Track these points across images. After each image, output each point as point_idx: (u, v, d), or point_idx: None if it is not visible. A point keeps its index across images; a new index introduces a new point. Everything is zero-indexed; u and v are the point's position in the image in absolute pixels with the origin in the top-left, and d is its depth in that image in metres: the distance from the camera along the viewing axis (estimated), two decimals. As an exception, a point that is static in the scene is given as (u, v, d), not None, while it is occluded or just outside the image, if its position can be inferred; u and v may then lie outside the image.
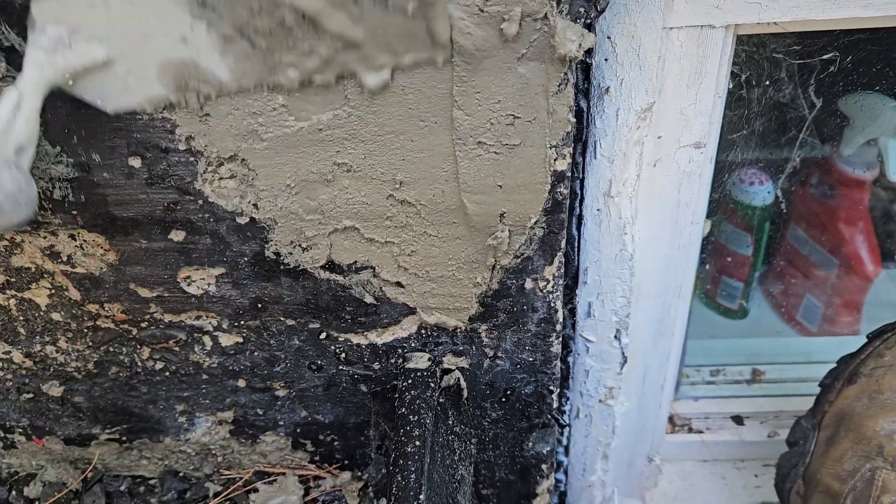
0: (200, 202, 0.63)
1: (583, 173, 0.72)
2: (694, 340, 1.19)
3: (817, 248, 1.22)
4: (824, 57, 0.80)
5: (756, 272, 1.23)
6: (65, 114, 0.58)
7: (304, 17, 0.51)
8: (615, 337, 0.86)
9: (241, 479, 0.84)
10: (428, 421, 0.61)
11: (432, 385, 0.65)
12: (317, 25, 0.52)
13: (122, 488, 0.84)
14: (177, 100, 0.56)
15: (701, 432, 1.12)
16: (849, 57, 0.80)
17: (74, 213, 0.64)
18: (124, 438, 0.83)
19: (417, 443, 0.59)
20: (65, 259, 0.67)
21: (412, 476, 0.56)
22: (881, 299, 1.25)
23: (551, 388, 0.76)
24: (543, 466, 0.85)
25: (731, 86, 0.77)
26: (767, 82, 0.85)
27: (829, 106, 0.94)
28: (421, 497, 0.55)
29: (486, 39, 0.53)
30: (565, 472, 1.01)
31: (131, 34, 0.53)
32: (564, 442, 0.96)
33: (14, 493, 0.83)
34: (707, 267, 1.25)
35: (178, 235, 0.65)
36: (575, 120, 0.61)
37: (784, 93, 0.87)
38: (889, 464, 0.78)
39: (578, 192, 0.73)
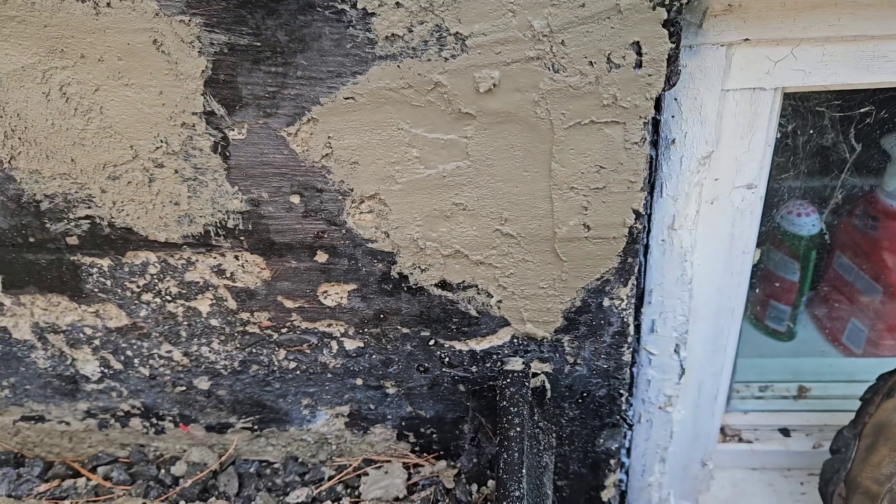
0: (343, 231, 0.78)
1: (650, 210, 0.85)
2: (743, 359, 1.29)
3: (862, 275, 1.30)
4: (862, 110, 0.92)
5: (803, 297, 1.32)
6: (244, 162, 0.74)
7: None
8: (675, 351, 0.97)
9: (351, 465, 0.98)
10: (524, 411, 0.74)
11: (526, 384, 0.79)
12: None
13: (252, 470, 0.99)
14: None
15: (750, 442, 1.21)
16: (884, 109, 0.92)
17: (242, 238, 0.80)
18: (256, 427, 0.98)
19: (518, 428, 0.73)
20: (228, 275, 0.83)
21: (515, 454, 0.70)
22: (924, 324, 1.32)
23: (622, 391, 0.89)
24: (612, 461, 0.97)
25: (778, 135, 0.89)
26: (811, 131, 0.97)
27: (868, 150, 1.05)
28: (523, 470, 0.69)
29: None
30: (626, 473, 1.13)
31: None
32: (626, 445, 1.08)
33: (162, 471, 0.99)
34: (756, 291, 1.35)
35: (322, 257, 0.80)
36: (648, 167, 0.74)
37: (826, 139, 0.99)
38: (923, 469, 0.88)
39: (646, 225, 0.86)
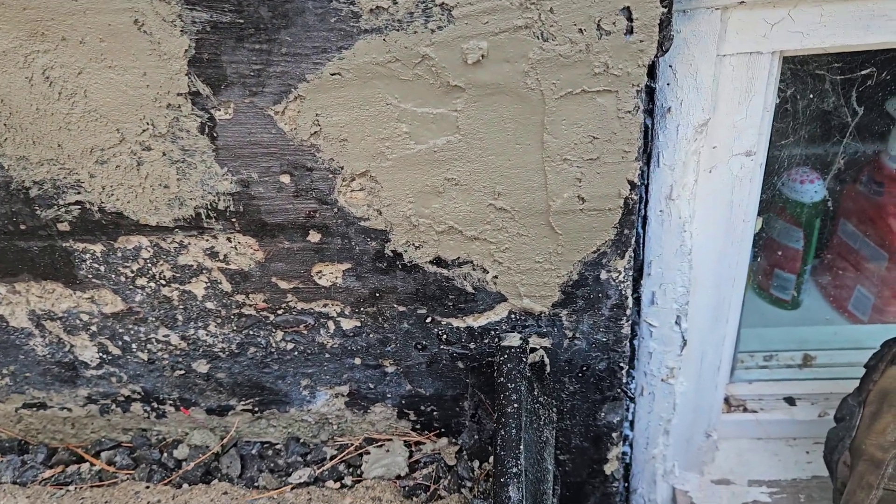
0: (335, 210, 0.77)
1: (647, 180, 0.84)
2: (748, 329, 1.28)
3: (867, 242, 1.29)
4: (863, 72, 0.91)
5: (808, 265, 1.31)
6: (232, 142, 0.73)
7: None
8: (676, 322, 0.97)
9: (353, 444, 0.98)
10: (522, 387, 0.74)
11: (523, 359, 0.78)
12: None
13: (254, 452, 1.00)
14: None
15: (755, 412, 1.20)
16: (885, 71, 0.90)
17: (233, 220, 0.79)
18: (256, 409, 0.98)
19: (515, 405, 0.72)
20: (221, 258, 0.82)
21: (513, 430, 0.70)
22: (931, 290, 1.31)
23: (622, 364, 0.88)
24: (614, 435, 0.97)
25: (778, 100, 0.87)
26: (811, 95, 0.95)
27: (871, 113, 1.03)
28: (520, 446, 0.68)
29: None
30: (630, 446, 1.12)
31: None
32: (630, 417, 1.07)
33: (165, 454, 0.99)
34: (760, 260, 1.34)
35: (314, 237, 0.80)
36: (643, 137, 0.73)
37: (828, 103, 0.97)
38: (927, 435, 0.87)
39: (644, 195, 0.85)
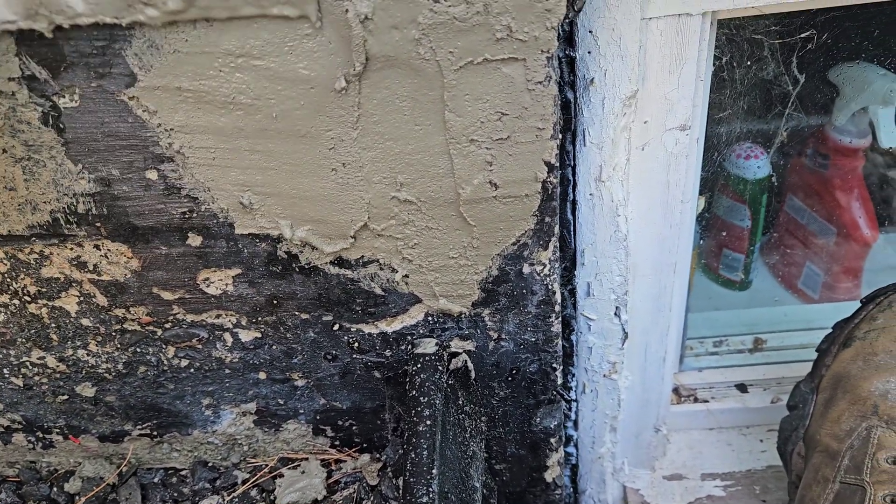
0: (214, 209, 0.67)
1: (574, 160, 0.75)
2: (696, 313, 1.22)
3: (815, 217, 1.24)
4: (803, 35, 0.83)
5: (756, 244, 1.26)
6: (83, 134, 0.62)
7: None
8: (615, 314, 0.89)
9: (267, 465, 0.89)
10: (437, 401, 0.65)
11: (440, 368, 0.70)
12: None
13: (156, 480, 0.89)
14: (27, 26, 0.55)
15: (706, 402, 1.15)
16: (825, 34, 0.83)
17: (98, 224, 0.68)
18: (155, 433, 0.88)
19: (428, 422, 0.63)
20: (91, 268, 0.72)
21: (424, 452, 0.61)
22: (880, 264, 1.28)
23: (554, 365, 0.80)
24: (552, 440, 0.89)
25: (713, 68, 0.80)
26: (749, 63, 0.88)
27: (812, 81, 0.96)
28: (433, 471, 0.60)
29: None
30: (575, 446, 1.05)
31: None
32: (573, 417, 1.00)
33: (55, 489, 0.88)
34: (707, 241, 1.28)
35: (195, 240, 0.69)
36: (560, 112, 0.64)
37: (767, 71, 0.90)
38: (884, 422, 0.81)
39: (571, 178, 0.77)
